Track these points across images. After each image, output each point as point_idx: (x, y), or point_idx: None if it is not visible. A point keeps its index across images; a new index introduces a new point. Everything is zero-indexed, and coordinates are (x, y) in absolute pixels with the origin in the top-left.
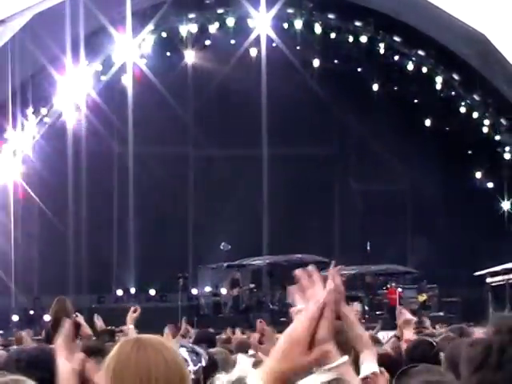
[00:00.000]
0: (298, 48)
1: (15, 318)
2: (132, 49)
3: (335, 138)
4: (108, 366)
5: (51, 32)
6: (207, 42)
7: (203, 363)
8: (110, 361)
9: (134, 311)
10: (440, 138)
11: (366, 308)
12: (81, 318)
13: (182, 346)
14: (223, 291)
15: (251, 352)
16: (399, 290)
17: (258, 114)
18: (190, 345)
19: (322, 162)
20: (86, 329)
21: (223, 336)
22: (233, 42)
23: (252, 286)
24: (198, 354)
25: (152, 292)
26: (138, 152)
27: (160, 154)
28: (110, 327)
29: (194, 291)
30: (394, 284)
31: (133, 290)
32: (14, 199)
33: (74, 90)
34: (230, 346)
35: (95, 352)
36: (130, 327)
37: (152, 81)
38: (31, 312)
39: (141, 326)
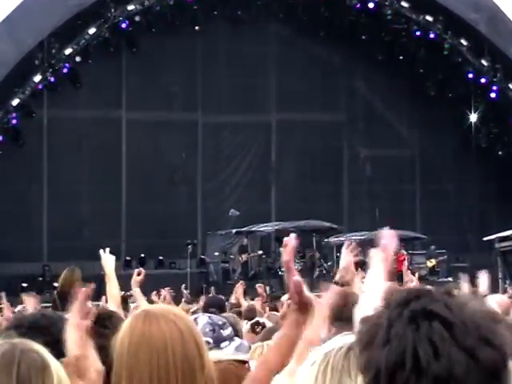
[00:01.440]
0: (304, 16)
1: (24, 284)
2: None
3: (343, 103)
4: (122, 343)
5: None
6: (215, 12)
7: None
8: (124, 337)
9: (138, 274)
10: (448, 104)
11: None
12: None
13: (207, 316)
14: (232, 257)
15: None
16: (405, 254)
17: (267, 80)
18: (220, 322)
19: (330, 128)
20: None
21: (232, 300)
22: (239, 13)
23: (260, 252)
24: (215, 331)
25: (161, 258)
26: (147, 118)
27: (168, 120)
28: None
29: (203, 258)
30: (402, 250)
31: (142, 257)
32: None
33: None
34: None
35: (105, 318)
36: (135, 290)
37: (160, 43)
38: (40, 279)
39: (149, 292)
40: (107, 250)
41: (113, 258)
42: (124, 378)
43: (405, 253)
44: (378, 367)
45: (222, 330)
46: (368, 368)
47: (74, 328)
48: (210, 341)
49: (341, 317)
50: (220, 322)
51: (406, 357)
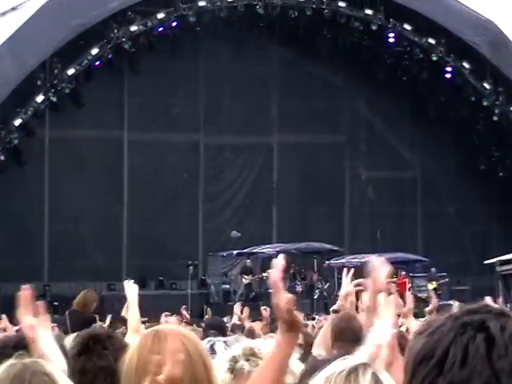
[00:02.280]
0: (308, 36)
1: None
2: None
3: (345, 125)
4: (130, 361)
5: (62, 19)
6: (218, 34)
7: None
8: (132, 356)
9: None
10: (450, 127)
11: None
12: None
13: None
14: (233, 279)
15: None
16: (405, 276)
17: (268, 101)
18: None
19: (332, 149)
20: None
21: (236, 321)
22: (241, 34)
23: (265, 274)
24: (214, 352)
25: (161, 279)
26: (149, 139)
27: (170, 140)
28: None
29: (204, 278)
30: (403, 272)
31: (143, 278)
32: None
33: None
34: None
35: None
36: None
37: (162, 64)
38: (41, 299)
39: (151, 313)
40: (131, 281)
41: (136, 287)
42: None
43: (404, 274)
44: (412, 353)
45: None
46: (408, 352)
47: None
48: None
49: (342, 338)
50: (223, 340)
51: (435, 352)
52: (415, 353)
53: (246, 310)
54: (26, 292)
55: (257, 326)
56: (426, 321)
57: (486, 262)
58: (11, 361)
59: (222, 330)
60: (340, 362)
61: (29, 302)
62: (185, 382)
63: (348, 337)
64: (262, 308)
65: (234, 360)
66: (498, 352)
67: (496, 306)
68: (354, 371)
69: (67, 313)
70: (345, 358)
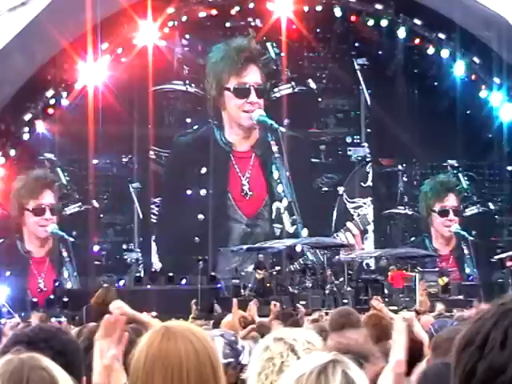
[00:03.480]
0: (317, 31)
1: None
2: (153, 32)
3: (354, 121)
4: (138, 357)
5: (72, 14)
6: (227, 25)
7: (240, 360)
8: (141, 352)
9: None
10: (460, 122)
11: (386, 291)
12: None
13: (221, 336)
14: (243, 274)
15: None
16: (396, 270)
17: (278, 95)
18: (233, 338)
19: (341, 144)
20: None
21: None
22: (253, 24)
23: (278, 268)
24: (233, 349)
25: (171, 274)
26: (160, 134)
27: (175, 146)
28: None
29: (213, 274)
30: (393, 267)
31: (152, 272)
32: None
33: (93, 73)
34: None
35: None
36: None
37: (172, 64)
38: (52, 296)
39: (161, 308)
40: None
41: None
42: None
43: (394, 268)
44: (458, 340)
45: (236, 345)
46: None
47: (101, 355)
48: (232, 360)
49: (339, 327)
50: (233, 338)
51: (477, 337)
52: (460, 338)
53: (254, 306)
54: (117, 317)
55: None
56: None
57: (496, 257)
58: (8, 356)
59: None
60: (310, 359)
61: (118, 328)
62: (191, 381)
63: (348, 325)
64: (273, 303)
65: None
66: None
67: None
68: (323, 371)
69: (84, 308)
70: (316, 356)
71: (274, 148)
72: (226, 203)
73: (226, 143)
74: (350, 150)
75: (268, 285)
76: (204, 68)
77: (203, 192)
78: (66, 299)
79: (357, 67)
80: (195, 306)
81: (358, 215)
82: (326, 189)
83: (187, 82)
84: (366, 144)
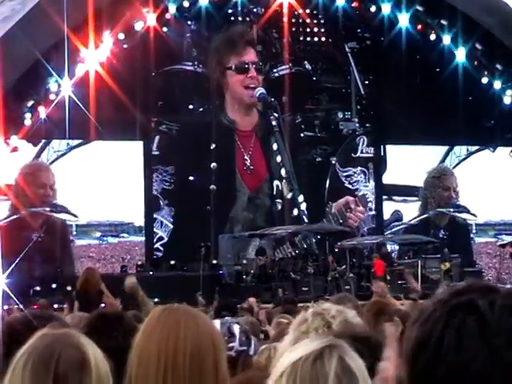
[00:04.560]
0: (320, 17)
1: (37, 288)
2: (153, 17)
3: (345, 98)
4: (140, 329)
5: (73, 1)
6: (229, 11)
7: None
8: (142, 326)
9: None
10: (462, 108)
11: (388, 278)
12: (104, 287)
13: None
14: (245, 260)
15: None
16: (379, 257)
17: (282, 83)
18: (247, 327)
19: (333, 119)
20: (109, 298)
21: (244, 305)
22: (255, 10)
23: (280, 255)
24: (248, 338)
25: (173, 261)
26: (162, 120)
27: (183, 122)
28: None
29: (215, 262)
30: (376, 255)
31: (154, 259)
32: None
33: (95, 59)
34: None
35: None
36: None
37: (173, 49)
38: (54, 285)
39: (163, 295)
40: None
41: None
42: (135, 356)
43: (378, 256)
44: (407, 345)
45: (250, 335)
46: (406, 342)
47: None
48: (245, 349)
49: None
50: (247, 327)
51: (431, 340)
52: (412, 343)
53: (252, 300)
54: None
55: (262, 313)
56: (418, 309)
57: (498, 243)
58: (44, 331)
59: (233, 312)
60: (307, 343)
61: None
62: (187, 347)
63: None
64: (250, 299)
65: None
66: (491, 330)
67: (483, 282)
68: (319, 357)
69: (74, 294)
70: (313, 340)
71: (274, 122)
72: (233, 176)
73: (230, 121)
74: (341, 125)
75: (270, 271)
76: (208, 52)
77: (214, 165)
78: (69, 288)
79: (347, 50)
80: (200, 298)
81: (356, 196)
82: (320, 159)
83: (196, 62)
84: (356, 119)
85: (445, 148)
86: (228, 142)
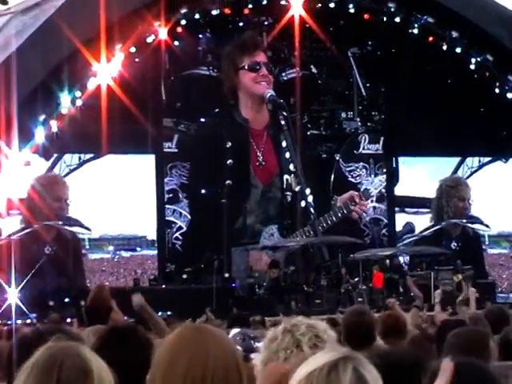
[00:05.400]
0: (332, 29)
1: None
2: (165, 31)
3: (347, 99)
4: (164, 348)
5: (85, 15)
6: (240, 24)
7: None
8: (167, 344)
9: None
10: (475, 119)
11: (401, 290)
12: (113, 304)
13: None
14: (258, 273)
15: None
16: (378, 270)
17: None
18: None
19: (337, 118)
20: (118, 314)
21: (257, 318)
22: (266, 23)
23: (292, 268)
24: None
25: (186, 275)
26: (181, 120)
27: (200, 122)
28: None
29: (228, 274)
30: (376, 267)
31: (167, 272)
32: None
33: (107, 73)
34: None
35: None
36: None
37: (184, 62)
38: (66, 299)
39: (176, 308)
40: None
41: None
42: (159, 373)
43: (377, 267)
44: None
45: (252, 341)
46: None
47: None
48: (240, 348)
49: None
50: (252, 335)
51: None
52: None
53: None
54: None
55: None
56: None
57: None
58: (48, 344)
59: (245, 324)
60: (322, 354)
61: None
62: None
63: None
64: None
65: None
66: None
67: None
68: (334, 368)
69: (83, 310)
70: (328, 352)
71: (283, 122)
72: (248, 171)
73: (244, 121)
74: (344, 124)
75: (283, 284)
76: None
77: (230, 162)
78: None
79: (349, 55)
80: (209, 313)
81: (359, 190)
82: (325, 155)
83: (210, 67)
84: (358, 119)
85: (457, 159)
86: (242, 139)
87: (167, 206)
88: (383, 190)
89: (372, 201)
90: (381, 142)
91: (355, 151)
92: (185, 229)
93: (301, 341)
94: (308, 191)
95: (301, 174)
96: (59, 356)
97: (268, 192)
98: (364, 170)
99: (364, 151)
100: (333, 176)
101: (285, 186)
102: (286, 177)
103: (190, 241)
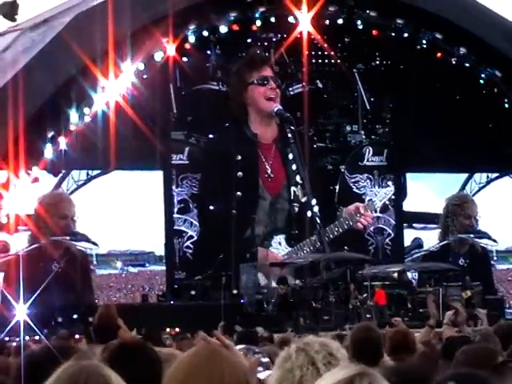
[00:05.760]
0: (339, 45)
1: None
2: (173, 47)
3: (352, 113)
4: (179, 368)
5: (93, 31)
6: (249, 40)
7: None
8: (182, 364)
9: None
10: (483, 135)
11: (410, 306)
12: (121, 322)
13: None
14: (266, 289)
15: None
16: (380, 288)
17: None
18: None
19: (342, 131)
20: (126, 332)
21: (265, 334)
22: (274, 39)
23: (300, 283)
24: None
25: (194, 291)
26: (192, 133)
27: (211, 136)
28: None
29: (236, 291)
30: (378, 284)
31: (175, 288)
32: None
33: (115, 90)
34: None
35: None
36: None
37: (193, 77)
38: (75, 316)
39: (184, 324)
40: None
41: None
42: None
43: (379, 286)
44: None
45: (256, 355)
46: None
47: None
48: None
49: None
50: (257, 350)
51: None
52: None
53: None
54: None
55: None
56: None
57: None
58: (70, 362)
59: (253, 341)
60: (336, 372)
61: None
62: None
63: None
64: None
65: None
66: None
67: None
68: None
69: (91, 328)
70: (345, 367)
71: (290, 135)
72: (257, 183)
73: (253, 135)
74: (349, 137)
75: (291, 300)
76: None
77: (240, 174)
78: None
79: (355, 70)
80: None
81: (367, 200)
82: (331, 167)
83: (220, 83)
84: (362, 132)
85: (465, 175)
86: (251, 153)
87: (178, 215)
88: (387, 202)
89: (376, 211)
90: (384, 154)
91: (360, 163)
92: (195, 238)
93: (315, 359)
94: (314, 202)
95: (307, 185)
96: (82, 375)
97: (276, 203)
98: (368, 181)
99: (368, 163)
100: (338, 187)
101: (292, 197)
102: (293, 189)
103: (200, 249)
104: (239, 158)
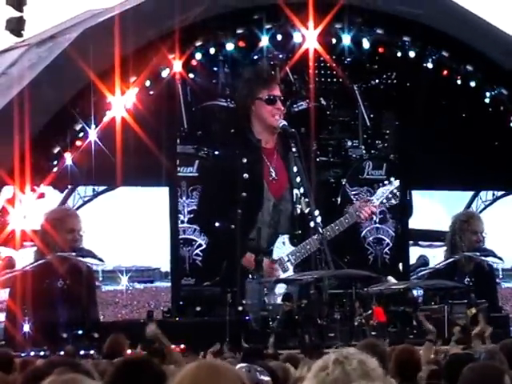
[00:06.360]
0: (345, 63)
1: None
2: (179, 64)
3: (353, 129)
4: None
5: (100, 47)
6: (255, 57)
7: None
8: (182, 380)
9: None
10: (489, 153)
11: (415, 323)
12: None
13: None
14: (271, 306)
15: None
16: (376, 306)
17: (301, 117)
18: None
19: (344, 146)
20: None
21: (270, 351)
22: (280, 56)
23: (305, 301)
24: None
25: (199, 307)
26: (201, 147)
27: (219, 148)
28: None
29: (242, 306)
30: (375, 303)
31: (180, 305)
32: None
33: (121, 106)
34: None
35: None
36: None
37: (201, 93)
38: (80, 332)
39: (189, 341)
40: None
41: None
42: None
43: (376, 304)
44: None
45: (258, 374)
46: None
47: None
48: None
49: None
50: (259, 368)
51: None
52: None
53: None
54: None
55: None
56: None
57: None
58: (52, 377)
59: (259, 357)
60: None
61: None
62: None
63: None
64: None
65: None
66: None
67: None
68: None
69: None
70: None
71: (294, 149)
72: (262, 185)
73: (257, 141)
74: (350, 151)
75: (296, 317)
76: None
77: (246, 176)
78: (96, 335)
79: (355, 88)
80: (225, 348)
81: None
82: (333, 180)
83: (228, 99)
84: (362, 147)
85: (470, 193)
86: (256, 157)
87: (188, 225)
88: (385, 210)
89: (375, 222)
90: (383, 168)
91: (360, 176)
92: (204, 246)
93: (351, 375)
94: (317, 213)
95: (310, 196)
96: None
97: (279, 205)
98: (368, 194)
99: (368, 176)
100: (339, 199)
101: (294, 199)
102: (295, 191)
103: (209, 256)
104: (245, 160)
